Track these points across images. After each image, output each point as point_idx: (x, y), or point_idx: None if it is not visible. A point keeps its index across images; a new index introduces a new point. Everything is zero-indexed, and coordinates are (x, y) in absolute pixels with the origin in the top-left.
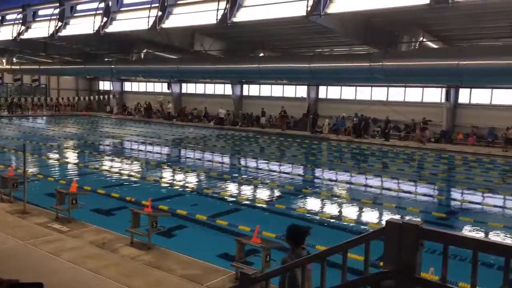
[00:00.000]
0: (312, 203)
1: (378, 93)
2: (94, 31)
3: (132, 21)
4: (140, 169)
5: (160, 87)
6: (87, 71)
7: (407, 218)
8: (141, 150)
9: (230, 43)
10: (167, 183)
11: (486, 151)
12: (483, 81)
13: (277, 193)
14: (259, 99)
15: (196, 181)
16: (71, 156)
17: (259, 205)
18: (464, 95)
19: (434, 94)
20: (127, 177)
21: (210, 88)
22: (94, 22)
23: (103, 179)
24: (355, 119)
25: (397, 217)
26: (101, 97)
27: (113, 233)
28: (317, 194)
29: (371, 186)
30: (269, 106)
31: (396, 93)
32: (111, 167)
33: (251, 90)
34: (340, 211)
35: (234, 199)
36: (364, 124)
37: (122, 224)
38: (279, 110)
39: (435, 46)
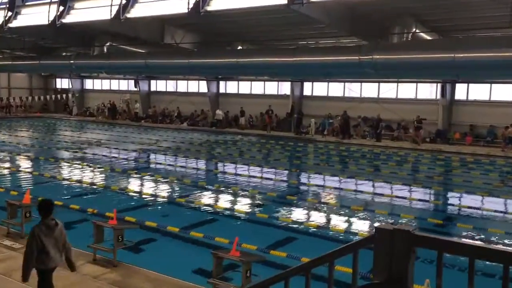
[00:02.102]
0: (297, 211)
1: (369, 90)
2: (49, 22)
3: (93, 10)
4: (104, 177)
5: (126, 84)
6: (42, 67)
7: (399, 224)
8: (105, 156)
9: (205, 35)
10: (135, 192)
11: (485, 152)
12: (481, 75)
13: (258, 201)
14: (238, 97)
15: (168, 189)
16: (24, 164)
17: (239, 214)
18: (461, 91)
19: (429, 90)
20: (88, 186)
21: (183, 86)
22: (49, 11)
23: (61, 189)
24: (338, 117)
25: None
26: (59, 96)
27: (73, 249)
28: (303, 201)
29: (361, 192)
30: (248, 105)
31: (388, 90)
32: (71, 175)
33: (228, 87)
34: (328, 220)
35: (211, 208)
36: (344, 123)
37: (84, 239)
38: (259, 109)
39: (429, 38)
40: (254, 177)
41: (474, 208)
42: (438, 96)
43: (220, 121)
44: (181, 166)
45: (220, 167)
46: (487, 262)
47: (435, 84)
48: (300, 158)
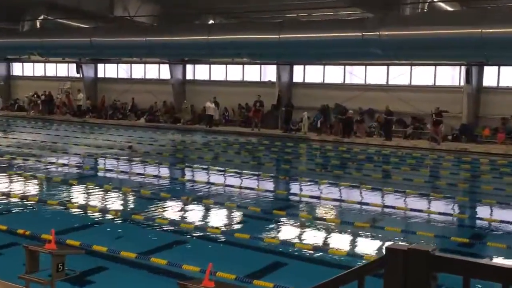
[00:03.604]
0: (287, 230)
1: (375, 75)
2: None
3: None
4: (39, 189)
5: (66, 69)
6: None
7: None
8: (39, 161)
9: (166, 7)
10: (79, 207)
11: None
12: None
13: (237, 217)
14: (209, 85)
15: (122, 203)
16: None
17: (212, 235)
18: (491, 76)
19: (451, 75)
20: (18, 201)
21: (139, 71)
22: None
23: None
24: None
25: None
26: None
27: None
28: (294, 216)
29: (367, 204)
30: (223, 95)
31: (399, 75)
32: None
33: (197, 72)
34: (325, 240)
35: (177, 227)
36: (346, 118)
37: (13, 268)
38: (236, 100)
39: (450, 9)
40: (232, 186)
41: (509, 222)
42: (462, 83)
43: (211, 117)
44: (139, 174)
45: (188, 174)
46: None
47: (458, 68)
48: (290, 162)
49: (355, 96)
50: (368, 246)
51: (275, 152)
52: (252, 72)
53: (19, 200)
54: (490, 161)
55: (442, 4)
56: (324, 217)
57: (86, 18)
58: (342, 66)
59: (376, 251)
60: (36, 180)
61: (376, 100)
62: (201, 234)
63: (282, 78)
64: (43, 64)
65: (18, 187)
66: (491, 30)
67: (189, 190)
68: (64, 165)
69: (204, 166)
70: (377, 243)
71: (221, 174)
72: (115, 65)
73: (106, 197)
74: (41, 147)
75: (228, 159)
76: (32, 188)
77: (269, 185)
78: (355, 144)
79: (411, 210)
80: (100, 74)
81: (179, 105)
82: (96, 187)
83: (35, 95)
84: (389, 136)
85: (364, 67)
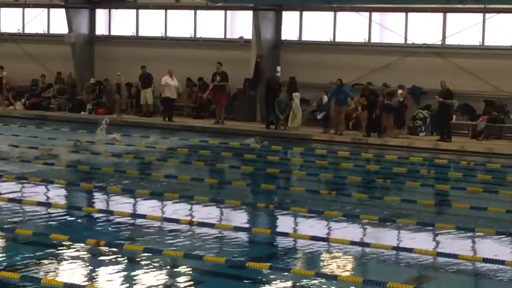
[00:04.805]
0: None
1: (424, 29)
2: None
3: None
4: None
5: None
6: None
7: None
8: None
9: None
10: None
11: None
12: None
13: (184, 275)
14: (136, 45)
15: None
16: None
17: None
18: None
19: None
20: None
21: (15, 21)
22: None
23: None
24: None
25: None
26: None
27: None
28: (285, 273)
29: (412, 251)
30: (160, 63)
31: (464, 29)
32: None
33: (116, 23)
34: None
35: None
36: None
37: None
38: (183, 72)
39: None
40: (175, 222)
41: None
42: None
43: (171, 103)
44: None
45: (97, 202)
46: None
47: None
48: (276, 181)
49: (386, 65)
50: None
51: (251, 162)
52: (212, 24)
53: None
54: None
55: None
56: (335, 273)
57: None
58: (367, 14)
59: None
60: None
61: (423, 73)
62: None
63: (263, 34)
64: None
65: None
66: None
67: (102, 231)
68: None
69: (123, 189)
70: None
71: (157, 205)
72: None
73: None
74: None
75: (170, 176)
76: None
77: (241, 218)
78: (385, 148)
79: (485, 261)
80: None
81: (83, 80)
82: None
83: None
84: (446, 133)
85: (403, 14)
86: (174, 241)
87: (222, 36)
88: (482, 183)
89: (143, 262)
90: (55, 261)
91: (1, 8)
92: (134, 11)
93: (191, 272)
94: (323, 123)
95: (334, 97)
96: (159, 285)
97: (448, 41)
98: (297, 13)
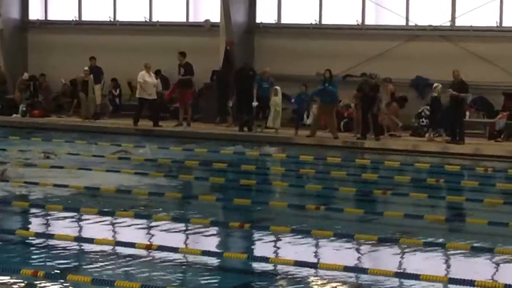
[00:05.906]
0: None
1: (427, 8)
2: None
3: None
4: None
5: None
6: None
7: None
8: None
9: None
10: None
11: None
12: None
13: None
14: (78, 31)
15: None
16: None
17: None
18: None
19: None
20: None
21: None
22: None
23: None
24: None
25: None
26: None
27: None
28: None
29: (417, 277)
30: (108, 53)
31: (477, 8)
32: None
33: (53, 6)
34: None
35: None
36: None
37: None
38: (137, 64)
39: None
40: (129, 245)
41: None
42: None
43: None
44: None
45: (34, 224)
46: None
47: None
48: (252, 194)
49: (384, 52)
50: None
51: (223, 173)
52: (171, 5)
53: None
54: None
55: None
56: None
57: None
58: None
59: None
60: None
61: (429, 61)
62: None
63: (234, 17)
64: None
65: None
66: None
67: (40, 259)
68: None
69: (72, 207)
70: None
71: (107, 226)
72: None
73: None
74: None
75: (121, 190)
76: None
77: (210, 240)
78: (387, 153)
79: None
80: None
81: (14, 75)
82: None
83: None
84: (459, 134)
85: None
86: (128, 269)
87: (184, 20)
88: (502, 194)
89: None
90: None
91: None
92: None
93: None
94: (297, 122)
95: (317, 97)
96: None
97: (459, 22)
98: None
